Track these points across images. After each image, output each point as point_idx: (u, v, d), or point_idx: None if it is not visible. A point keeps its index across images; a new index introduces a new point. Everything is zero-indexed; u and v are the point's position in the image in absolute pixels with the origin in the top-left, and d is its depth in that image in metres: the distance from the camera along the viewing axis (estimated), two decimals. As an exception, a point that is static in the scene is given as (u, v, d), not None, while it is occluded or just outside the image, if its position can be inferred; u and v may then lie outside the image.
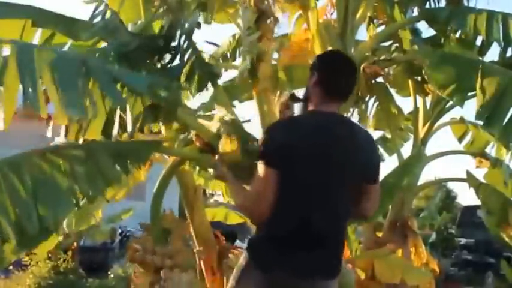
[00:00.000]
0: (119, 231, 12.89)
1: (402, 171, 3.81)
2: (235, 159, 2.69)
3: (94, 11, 3.33)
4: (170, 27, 3.02)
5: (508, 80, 2.97)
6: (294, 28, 4.05)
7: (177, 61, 3.04)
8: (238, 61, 4.78)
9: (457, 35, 3.91)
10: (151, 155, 2.82)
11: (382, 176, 3.41)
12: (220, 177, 2.57)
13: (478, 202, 4.57)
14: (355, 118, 4.35)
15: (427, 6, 3.94)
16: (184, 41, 2.99)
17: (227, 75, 4.81)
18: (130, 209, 9.74)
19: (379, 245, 4.14)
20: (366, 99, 4.42)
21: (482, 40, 3.71)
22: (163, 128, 3.36)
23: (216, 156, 2.78)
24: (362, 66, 3.82)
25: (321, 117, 2.25)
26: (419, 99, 4.60)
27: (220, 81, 3.79)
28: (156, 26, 3.37)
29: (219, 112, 3.02)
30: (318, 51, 3.42)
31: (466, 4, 3.87)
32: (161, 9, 3.13)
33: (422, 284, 3.85)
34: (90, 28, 3.35)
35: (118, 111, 2.77)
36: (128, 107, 2.69)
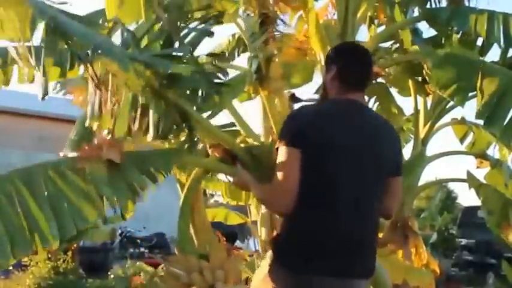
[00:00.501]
0: (119, 231, 12.89)
1: (403, 172, 3.80)
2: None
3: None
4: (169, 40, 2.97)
5: (508, 80, 2.97)
6: (295, 28, 4.04)
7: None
8: (237, 61, 4.79)
9: (458, 35, 3.91)
10: (174, 164, 2.75)
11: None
12: (243, 185, 2.51)
13: (478, 203, 4.56)
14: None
15: (428, 6, 3.93)
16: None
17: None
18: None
19: (379, 246, 4.13)
20: (367, 99, 4.41)
21: (483, 40, 3.70)
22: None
23: (238, 165, 2.72)
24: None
25: (345, 104, 2.21)
26: (420, 99, 4.59)
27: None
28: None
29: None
30: (318, 51, 3.42)
31: (466, 4, 3.86)
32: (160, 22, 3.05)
33: (422, 285, 3.84)
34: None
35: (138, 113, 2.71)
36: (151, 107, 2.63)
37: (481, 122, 3.01)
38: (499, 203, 4.17)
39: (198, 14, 3.18)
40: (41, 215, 2.13)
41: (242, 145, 3.01)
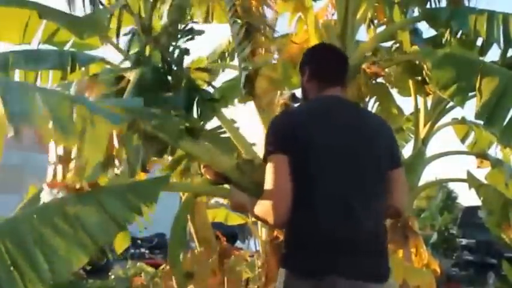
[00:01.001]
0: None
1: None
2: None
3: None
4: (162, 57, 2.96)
5: (508, 80, 2.97)
6: (295, 28, 4.04)
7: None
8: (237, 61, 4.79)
9: (458, 35, 3.91)
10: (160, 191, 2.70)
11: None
12: (240, 206, 2.39)
13: (479, 203, 4.56)
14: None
15: (428, 6, 3.93)
16: (177, 71, 2.92)
17: (227, 75, 4.81)
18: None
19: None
20: (367, 99, 4.41)
21: (483, 40, 3.70)
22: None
23: (231, 187, 2.61)
24: (362, 66, 3.81)
25: (326, 100, 2.17)
26: (420, 99, 4.59)
27: (219, 82, 3.79)
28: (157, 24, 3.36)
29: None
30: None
31: (466, 4, 3.86)
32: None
33: (423, 285, 3.83)
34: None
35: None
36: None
37: (481, 122, 3.01)
38: (499, 203, 4.17)
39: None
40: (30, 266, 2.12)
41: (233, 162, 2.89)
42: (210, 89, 3.24)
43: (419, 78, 4.19)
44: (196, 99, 2.89)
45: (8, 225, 2.30)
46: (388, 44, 4.35)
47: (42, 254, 2.14)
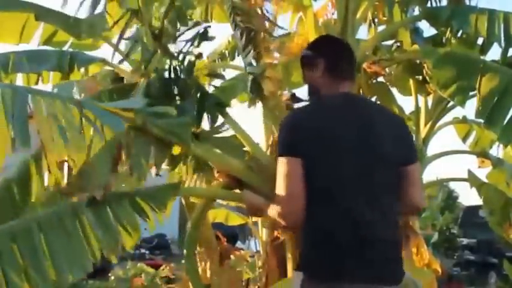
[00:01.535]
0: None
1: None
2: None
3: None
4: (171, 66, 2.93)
5: (508, 79, 2.96)
6: (296, 28, 4.03)
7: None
8: (237, 61, 4.78)
9: (458, 34, 3.89)
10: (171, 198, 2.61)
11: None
12: (254, 209, 2.30)
13: (480, 202, 4.55)
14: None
15: (428, 5, 3.92)
16: (186, 79, 2.91)
17: (227, 75, 4.79)
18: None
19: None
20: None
21: (483, 39, 3.69)
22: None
23: (245, 190, 2.53)
24: (363, 65, 3.80)
25: (339, 97, 2.11)
26: (421, 98, 4.58)
27: (218, 82, 3.78)
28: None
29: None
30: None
31: (467, 3, 3.85)
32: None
33: (424, 285, 3.82)
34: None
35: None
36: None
37: (481, 121, 3.00)
38: (500, 202, 4.16)
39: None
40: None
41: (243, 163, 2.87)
42: (210, 89, 3.23)
43: (420, 77, 4.18)
44: (205, 105, 2.87)
45: (19, 226, 2.30)
46: (389, 43, 4.34)
47: (51, 258, 2.15)
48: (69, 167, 2.52)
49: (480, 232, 11.89)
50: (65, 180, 2.54)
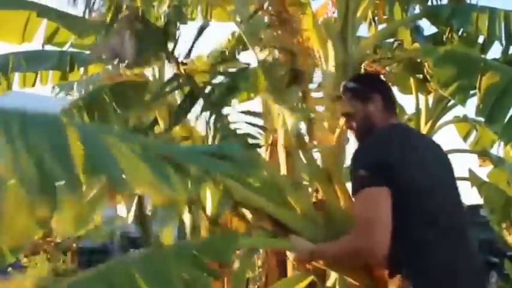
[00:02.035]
0: (119, 232, 12.87)
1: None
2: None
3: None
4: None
5: (509, 78, 2.95)
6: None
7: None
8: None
9: (459, 32, 3.88)
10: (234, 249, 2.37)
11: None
12: (305, 257, 2.20)
13: (480, 201, 4.54)
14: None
15: (429, 3, 3.91)
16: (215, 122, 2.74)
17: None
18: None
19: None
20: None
21: (484, 38, 3.68)
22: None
23: (291, 236, 2.34)
24: (363, 64, 3.79)
25: (405, 128, 2.32)
26: (422, 97, 4.57)
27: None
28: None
29: None
30: (317, 48, 3.39)
31: (467, 1, 3.84)
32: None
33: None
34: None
35: None
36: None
37: (481, 119, 2.99)
38: (501, 201, 4.15)
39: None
40: None
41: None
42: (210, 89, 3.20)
43: (421, 76, 4.17)
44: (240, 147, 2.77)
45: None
46: (389, 41, 4.32)
47: None
48: None
49: (481, 231, 11.85)
50: None
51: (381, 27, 4.18)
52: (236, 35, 4.78)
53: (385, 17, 4.08)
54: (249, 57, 4.18)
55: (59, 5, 3.84)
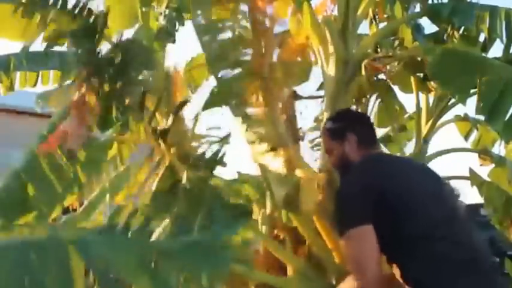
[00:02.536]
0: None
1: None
2: None
3: None
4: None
5: (510, 76, 2.94)
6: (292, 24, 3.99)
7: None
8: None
9: (460, 31, 3.87)
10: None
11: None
12: None
13: (481, 200, 4.53)
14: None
15: (430, 1, 3.90)
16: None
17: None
18: (131, 208, 9.73)
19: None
20: (368, 96, 4.37)
21: (485, 36, 3.67)
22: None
23: None
24: (363, 63, 3.78)
25: (383, 156, 2.40)
26: (422, 96, 4.56)
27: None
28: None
29: None
30: (317, 46, 3.38)
31: (468, 0, 3.83)
32: None
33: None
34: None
35: None
36: None
37: (482, 117, 2.98)
38: (501, 200, 4.15)
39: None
40: None
41: None
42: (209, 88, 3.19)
43: (421, 74, 4.16)
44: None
45: None
46: (390, 40, 4.31)
47: None
48: None
49: (481, 231, 11.84)
50: None
51: (381, 25, 4.17)
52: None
53: (385, 15, 4.07)
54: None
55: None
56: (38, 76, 4.41)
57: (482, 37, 3.77)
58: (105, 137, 3.06)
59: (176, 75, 3.25)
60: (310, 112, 3.81)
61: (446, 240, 1.98)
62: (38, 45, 4.14)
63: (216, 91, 2.97)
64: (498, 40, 3.46)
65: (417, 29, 4.09)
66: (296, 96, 3.20)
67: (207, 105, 2.97)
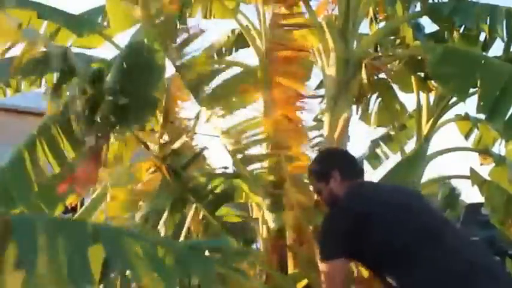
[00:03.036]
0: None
1: (404, 169, 3.77)
2: None
3: None
4: None
5: (510, 75, 2.93)
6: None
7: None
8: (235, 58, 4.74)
9: (461, 30, 3.87)
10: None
11: (384, 173, 3.37)
12: None
13: (482, 199, 4.53)
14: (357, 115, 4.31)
15: (430, 1, 3.89)
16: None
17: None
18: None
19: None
20: (368, 95, 4.38)
21: (486, 35, 3.67)
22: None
23: None
24: (364, 62, 3.77)
25: (365, 183, 2.50)
26: (423, 95, 4.56)
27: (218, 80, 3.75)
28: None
29: None
30: (316, 45, 3.38)
31: (469, -2, 3.83)
32: None
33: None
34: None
35: None
36: None
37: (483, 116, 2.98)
38: (502, 199, 4.14)
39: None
40: None
41: None
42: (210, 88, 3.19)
43: (422, 74, 4.16)
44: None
45: None
46: (390, 39, 4.31)
47: None
48: None
49: (482, 230, 11.83)
50: None
51: (382, 24, 4.17)
52: (236, 32, 4.77)
53: (386, 14, 4.07)
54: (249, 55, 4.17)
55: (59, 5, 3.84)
56: (42, 77, 4.42)
57: (482, 36, 3.77)
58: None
59: (176, 78, 3.24)
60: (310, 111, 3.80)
61: (438, 252, 2.08)
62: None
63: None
64: (499, 39, 3.45)
65: (418, 28, 4.09)
66: (297, 96, 3.19)
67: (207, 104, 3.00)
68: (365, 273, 2.66)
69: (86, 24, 3.78)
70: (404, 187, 2.58)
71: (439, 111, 4.58)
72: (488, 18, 3.34)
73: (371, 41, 3.81)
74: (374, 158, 5.64)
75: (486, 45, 3.76)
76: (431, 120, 4.56)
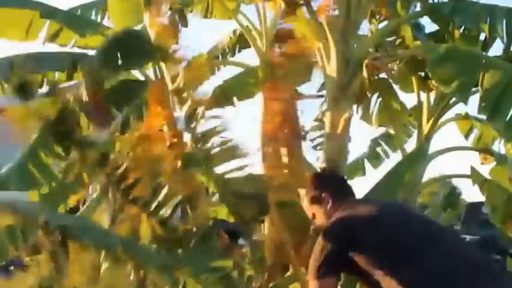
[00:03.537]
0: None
1: (405, 168, 3.78)
2: None
3: None
4: None
5: (511, 75, 2.94)
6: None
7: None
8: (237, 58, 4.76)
9: (461, 29, 3.88)
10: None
11: (384, 172, 3.38)
12: None
13: (483, 199, 4.53)
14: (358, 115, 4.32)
15: (430, 1, 3.90)
16: None
17: (226, 72, 4.78)
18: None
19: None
20: (369, 95, 4.38)
21: (486, 35, 3.68)
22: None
23: None
24: (364, 62, 3.78)
25: (359, 200, 2.59)
26: (423, 95, 4.56)
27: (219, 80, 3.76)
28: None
29: None
30: (318, 46, 3.39)
31: (469, -2, 3.83)
32: None
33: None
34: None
35: None
36: None
37: (484, 116, 2.99)
38: (503, 198, 4.14)
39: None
40: None
41: None
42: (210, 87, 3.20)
43: (422, 73, 4.16)
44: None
45: None
46: (391, 39, 4.32)
47: None
48: None
49: (483, 229, 11.83)
50: None
51: (382, 25, 4.18)
52: (237, 32, 4.77)
53: (386, 14, 4.07)
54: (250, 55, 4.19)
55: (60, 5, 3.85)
56: (43, 77, 4.43)
57: (482, 36, 3.78)
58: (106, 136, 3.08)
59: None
60: (311, 111, 3.83)
61: (439, 254, 2.11)
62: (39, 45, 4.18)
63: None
64: (499, 39, 3.46)
65: (418, 28, 4.10)
66: (298, 96, 3.20)
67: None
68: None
69: (88, 24, 3.79)
70: (393, 201, 2.73)
71: (440, 111, 4.59)
72: (488, 18, 3.35)
73: (371, 41, 3.82)
74: (375, 157, 5.65)
75: (486, 45, 3.77)
76: (432, 119, 4.56)
